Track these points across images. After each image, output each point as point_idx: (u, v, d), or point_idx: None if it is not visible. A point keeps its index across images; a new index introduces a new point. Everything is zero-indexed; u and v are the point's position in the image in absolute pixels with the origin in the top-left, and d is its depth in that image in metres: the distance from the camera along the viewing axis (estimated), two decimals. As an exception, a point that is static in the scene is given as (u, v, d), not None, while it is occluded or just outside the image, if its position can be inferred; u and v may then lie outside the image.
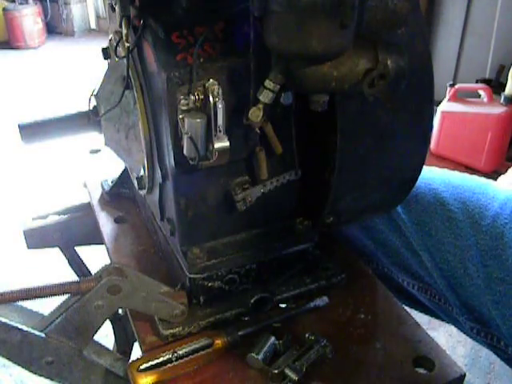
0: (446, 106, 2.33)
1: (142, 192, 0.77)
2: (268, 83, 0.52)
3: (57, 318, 0.63)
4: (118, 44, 0.66)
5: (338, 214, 0.69)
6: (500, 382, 1.62)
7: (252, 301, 0.69)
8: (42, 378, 0.65)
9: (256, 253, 0.69)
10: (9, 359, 0.62)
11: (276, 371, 0.60)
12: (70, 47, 5.53)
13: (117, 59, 0.68)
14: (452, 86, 2.34)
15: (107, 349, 0.71)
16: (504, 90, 2.20)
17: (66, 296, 0.65)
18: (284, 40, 0.47)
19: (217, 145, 0.56)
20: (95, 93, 0.79)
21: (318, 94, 0.53)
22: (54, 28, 5.96)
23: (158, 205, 0.72)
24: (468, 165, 2.35)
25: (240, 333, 0.65)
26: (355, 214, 0.73)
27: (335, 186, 0.64)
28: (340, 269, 0.75)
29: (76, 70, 4.63)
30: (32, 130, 0.79)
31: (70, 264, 1.02)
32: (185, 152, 0.57)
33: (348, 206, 0.68)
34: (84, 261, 1.03)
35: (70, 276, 0.96)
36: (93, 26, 6.07)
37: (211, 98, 0.55)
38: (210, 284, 0.68)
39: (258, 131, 0.59)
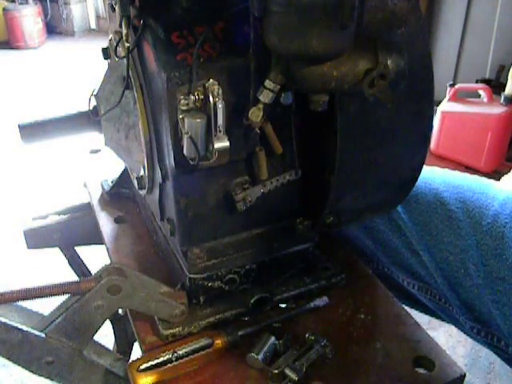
0: (446, 106, 2.33)
1: (142, 192, 0.77)
2: (268, 83, 0.52)
3: (57, 318, 0.63)
4: (117, 44, 0.66)
5: (338, 214, 0.69)
6: (500, 382, 1.62)
7: (252, 301, 0.69)
8: (41, 378, 0.65)
9: (256, 253, 0.69)
10: (9, 359, 0.62)
11: (276, 371, 0.60)
12: (69, 47, 5.53)
13: (117, 59, 0.68)
14: (452, 86, 2.34)
15: (107, 349, 0.71)
16: (504, 90, 2.20)
17: (66, 296, 0.65)
18: (284, 40, 0.47)
19: (217, 145, 0.56)
20: (95, 93, 0.79)
21: (318, 93, 0.53)
22: (53, 28, 5.97)
23: (158, 205, 0.72)
24: (468, 165, 2.35)
25: (240, 333, 0.65)
26: (355, 214, 0.73)
27: (335, 186, 0.64)
28: (340, 269, 0.75)
29: (76, 69, 4.63)
30: (32, 130, 0.79)
31: (70, 264, 1.02)
32: (185, 152, 0.57)
33: (348, 206, 0.68)
34: (84, 261, 1.03)
35: (70, 276, 0.96)
36: (93, 26, 6.07)
37: (211, 98, 0.55)
38: (210, 284, 0.68)
39: (258, 131, 0.59)
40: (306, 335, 0.65)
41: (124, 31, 0.63)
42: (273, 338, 0.64)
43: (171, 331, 0.66)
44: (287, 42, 0.47)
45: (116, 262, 0.80)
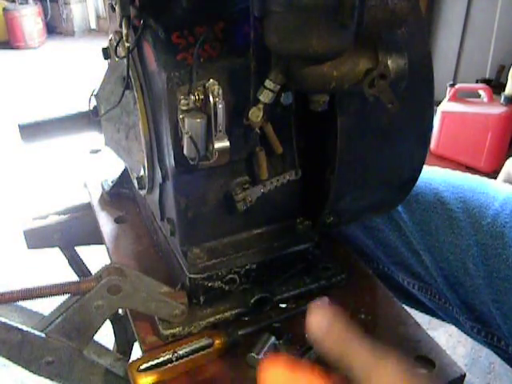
0: (446, 106, 2.33)
1: (142, 192, 0.77)
2: (268, 83, 0.52)
3: (57, 318, 0.63)
4: (118, 44, 0.66)
5: (339, 213, 0.69)
6: (500, 382, 1.63)
7: (252, 301, 0.69)
8: (41, 378, 0.65)
9: (256, 253, 0.69)
10: (9, 359, 0.62)
11: (276, 371, 0.60)
12: (70, 47, 5.54)
13: (117, 59, 0.68)
14: (452, 85, 2.34)
15: (107, 349, 0.71)
16: (504, 90, 2.21)
17: (66, 296, 0.65)
18: (284, 40, 0.47)
19: (217, 145, 0.56)
20: (95, 93, 0.79)
21: (318, 94, 0.53)
22: (53, 28, 5.97)
23: (158, 205, 0.72)
24: (468, 165, 2.35)
25: (240, 333, 0.65)
26: (355, 213, 0.73)
27: (335, 186, 0.64)
28: (340, 269, 0.75)
29: (76, 70, 4.64)
30: (32, 130, 0.79)
31: (70, 264, 1.02)
32: (185, 152, 0.57)
33: (348, 205, 0.68)
34: (84, 261, 1.03)
35: (70, 276, 0.96)
36: (93, 26, 6.08)
37: (211, 98, 0.55)
38: (210, 284, 0.68)
39: (258, 131, 0.59)
40: (306, 335, 0.65)
41: (124, 31, 0.63)
42: (273, 338, 0.64)
43: (171, 331, 0.66)
44: (287, 42, 0.47)
45: (116, 261, 0.80)
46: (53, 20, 5.91)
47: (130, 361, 0.63)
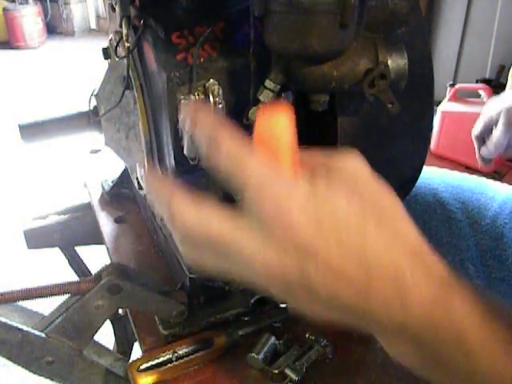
0: (446, 106, 2.32)
1: (142, 192, 0.77)
2: (268, 83, 0.52)
3: (57, 318, 0.63)
4: (118, 44, 0.66)
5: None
6: (500, 382, 1.62)
7: (252, 301, 0.69)
8: (41, 378, 0.65)
9: (256, 253, 0.69)
10: (9, 359, 0.62)
11: (276, 371, 0.60)
12: (70, 47, 5.54)
13: (117, 59, 0.68)
14: (452, 85, 2.34)
15: (107, 349, 0.71)
16: (504, 90, 2.20)
17: (66, 296, 0.65)
18: (284, 40, 0.47)
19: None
20: (95, 93, 0.79)
21: (318, 93, 0.53)
22: (54, 28, 5.97)
23: (158, 205, 0.72)
24: (468, 165, 2.34)
25: (240, 333, 0.65)
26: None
27: (335, 186, 0.64)
28: (340, 269, 0.75)
29: (76, 69, 4.64)
30: (32, 130, 0.79)
31: (70, 264, 1.02)
32: (185, 152, 0.57)
33: (348, 205, 0.68)
34: (84, 261, 1.03)
35: (70, 276, 0.96)
36: (93, 26, 6.08)
37: (211, 98, 0.55)
38: (210, 284, 0.68)
39: (258, 131, 0.59)
40: (306, 335, 0.65)
41: (124, 31, 0.63)
42: (273, 338, 0.64)
43: (171, 331, 0.66)
44: (287, 42, 0.47)
45: (116, 261, 0.80)
46: (53, 20, 5.91)
47: (130, 361, 0.63)
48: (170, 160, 0.61)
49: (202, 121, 0.37)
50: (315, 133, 0.65)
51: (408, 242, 0.36)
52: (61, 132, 0.80)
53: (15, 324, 0.61)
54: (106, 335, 0.85)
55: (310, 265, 0.33)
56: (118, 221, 0.91)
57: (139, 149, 0.71)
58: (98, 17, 6.00)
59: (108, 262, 0.81)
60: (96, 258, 0.98)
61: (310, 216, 0.33)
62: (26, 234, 0.96)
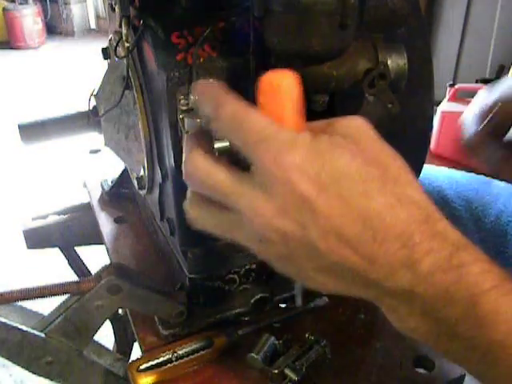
0: (446, 106, 2.32)
1: (142, 192, 0.77)
2: (268, 83, 0.52)
3: (57, 318, 0.63)
4: (117, 44, 0.66)
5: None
6: (500, 382, 1.62)
7: (252, 301, 0.69)
8: (41, 378, 0.65)
9: (256, 253, 0.69)
10: (9, 359, 0.62)
11: (276, 371, 0.60)
12: (70, 47, 5.54)
13: (117, 59, 0.68)
14: (452, 85, 2.34)
15: (107, 349, 0.71)
16: (504, 90, 2.20)
17: (65, 296, 0.65)
18: (284, 40, 0.47)
19: (217, 145, 0.56)
20: (95, 93, 0.79)
21: (318, 93, 0.53)
22: (53, 28, 5.97)
23: (158, 205, 0.72)
24: (468, 165, 2.35)
25: (240, 333, 0.65)
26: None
27: (335, 186, 0.64)
28: (340, 269, 0.75)
29: (76, 69, 4.64)
30: (32, 130, 0.79)
31: (69, 264, 1.02)
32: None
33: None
34: (84, 261, 1.03)
35: (70, 276, 0.96)
36: (93, 26, 6.08)
37: (211, 98, 0.54)
38: (210, 284, 0.68)
39: (258, 131, 0.59)
40: (306, 335, 0.65)
41: (124, 31, 0.63)
42: (273, 338, 0.64)
43: (171, 331, 0.66)
44: (287, 42, 0.47)
45: (116, 261, 0.80)
46: (53, 20, 5.91)
47: (130, 361, 0.63)
48: (169, 160, 0.61)
49: (208, 87, 0.38)
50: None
51: (415, 202, 0.34)
52: (60, 132, 0.80)
53: (15, 324, 0.61)
54: (105, 335, 0.85)
55: (309, 221, 0.31)
56: (117, 221, 0.91)
57: (139, 149, 0.71)
58: (97, 17, 6.00)
59: (108, 262, 0.81)
60: (96, 257, 0.98)
61: (310, 172, 0.32)
62: (26, 233, 0.95)
